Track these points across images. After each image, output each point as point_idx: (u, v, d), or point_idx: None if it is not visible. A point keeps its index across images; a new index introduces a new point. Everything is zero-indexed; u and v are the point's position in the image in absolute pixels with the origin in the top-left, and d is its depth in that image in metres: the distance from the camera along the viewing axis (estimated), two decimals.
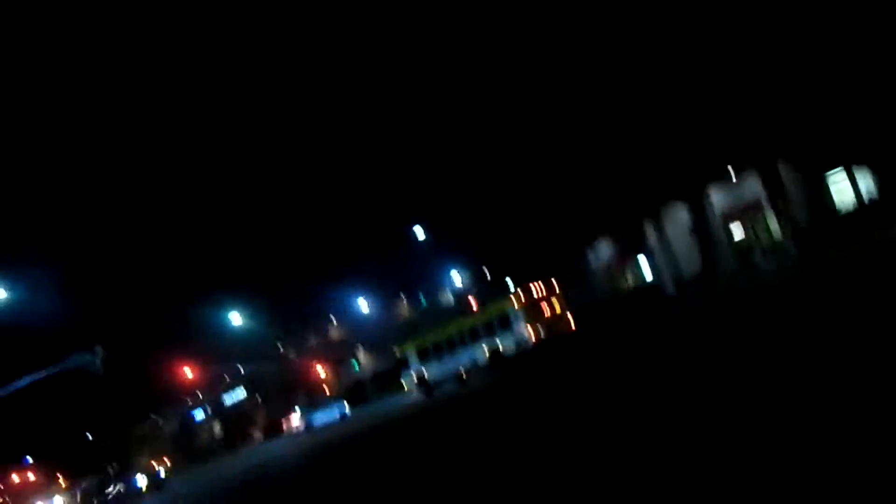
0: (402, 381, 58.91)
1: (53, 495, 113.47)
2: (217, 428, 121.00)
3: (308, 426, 74.22)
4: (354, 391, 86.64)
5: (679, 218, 58.93)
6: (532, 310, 51.18)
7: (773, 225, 54.49)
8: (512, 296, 53.23)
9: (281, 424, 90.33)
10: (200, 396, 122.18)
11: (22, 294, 51.88)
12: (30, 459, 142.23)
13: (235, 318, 70.75)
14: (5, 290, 49.28)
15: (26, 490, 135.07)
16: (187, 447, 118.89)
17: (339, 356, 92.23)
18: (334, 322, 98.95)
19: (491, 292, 69.81)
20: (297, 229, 68.10)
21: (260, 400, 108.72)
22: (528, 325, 50.46)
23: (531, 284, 53.07)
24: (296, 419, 73.86)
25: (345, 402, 74.43)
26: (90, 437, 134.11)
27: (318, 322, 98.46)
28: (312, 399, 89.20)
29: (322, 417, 73.05)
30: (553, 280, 54.12)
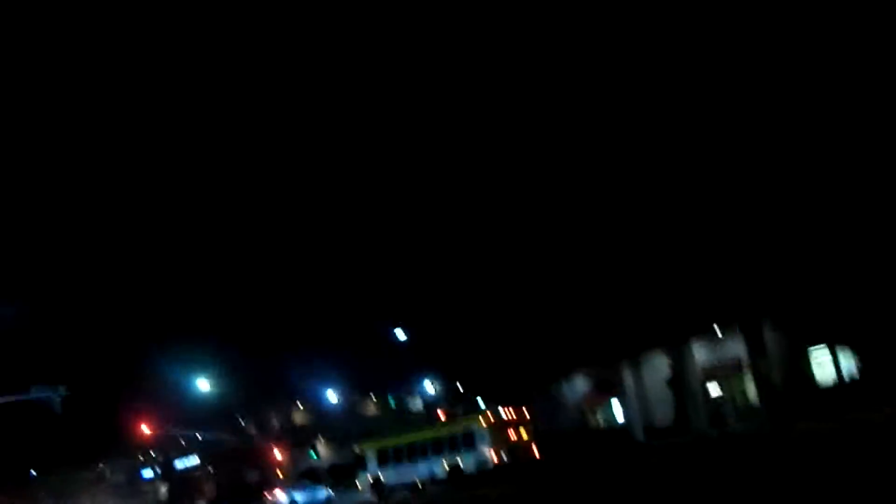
0: (357, 479, 58.40)
1: None
2: (163, 490, 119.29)
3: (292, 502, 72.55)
4: (308, 479, 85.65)
5: (658, 366, 59.13)
6: (498, 432, 50.98)
7: (751, 387, 54.69)
8: (480, 415, 53.14)
9: (226, 497, 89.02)
10: (153, 455, 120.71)
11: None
12: None
13: (202, 384, 70.30)
14: None
15: None
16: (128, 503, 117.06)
17: (298, 441, 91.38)
18: (299, 406, 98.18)
19: (460, 407, 69.74)
20: (280, 307, 67.99)
21: (212, 470, 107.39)
22: (492, 447, 50.23)
23: (501, 407, 53.01)
24: (280, 494, 72.07)
25: (326, 487, 72.88)
26: (33, 473, 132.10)
27: (284, 403, 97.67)
28: (267, 478, 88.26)
29: (305, 497, 71.11)
30: (523, 406, 54.04)
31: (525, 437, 52.80)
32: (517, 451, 51.10)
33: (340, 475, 74.33)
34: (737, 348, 54.53)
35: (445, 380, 79.48)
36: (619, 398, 63.09)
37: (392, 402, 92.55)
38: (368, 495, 56.30)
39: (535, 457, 52.10)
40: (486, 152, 52.16)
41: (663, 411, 58.38)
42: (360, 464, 58.29)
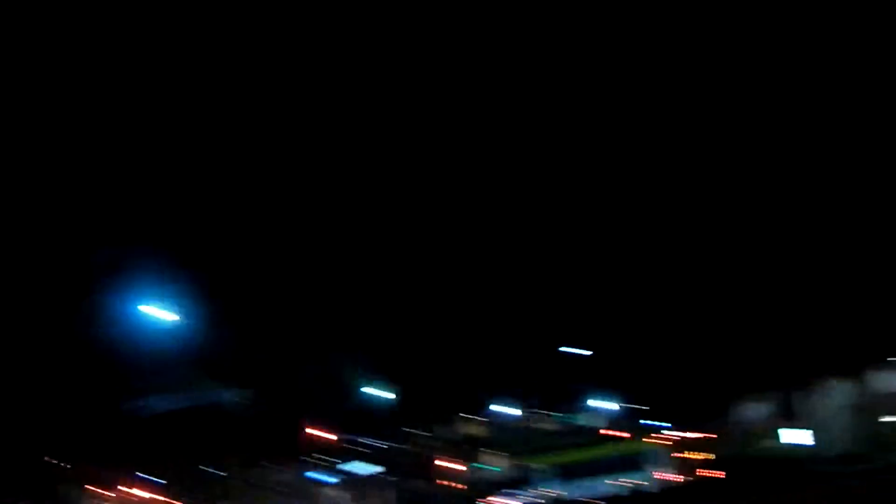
0: (524, 493, 58.60)
1: None
2: (333, 493, 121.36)
3: None
4: (478, 492, 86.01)
5: (836, 393, 57.82)
6: (677, 452, 50.65)
7: None
8: (659, 435, 52.87)
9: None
10: (328, 460, 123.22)
11: (192, 321, 53.57)
12: (147, 477, 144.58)
13: (378, 389, 71.53)
14: (177, 314, 50.78)
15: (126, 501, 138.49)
16: None
17: (471, 453, 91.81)
18: (475, 419, 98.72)
19: (639, 426, 69.20)
20: (461, 320, 68.74)
21: (383, 479, 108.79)
22: (671, 467, 49.94)
23: (680, 428, 52.65)
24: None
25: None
26: (204, 469, 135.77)
27: (458, 415, 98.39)
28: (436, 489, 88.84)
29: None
30: (703, 428, 53.52)
31: (704, 458, 52.30)
32: (696, 473, 50.67)
33: (513, 489, 74.47)
34: None
35: (624, 398, 78.90)
36: (800, 424, 61.78)
37: (567, 418, 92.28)
38: None
39: (714, 478, 51.55)
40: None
41: (845, 438, 56.98)
42: (531, 479, 58.52)
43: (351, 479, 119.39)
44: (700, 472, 52.59)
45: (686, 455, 52.51)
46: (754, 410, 65.91)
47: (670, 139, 46.87)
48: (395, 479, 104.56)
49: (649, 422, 70.38)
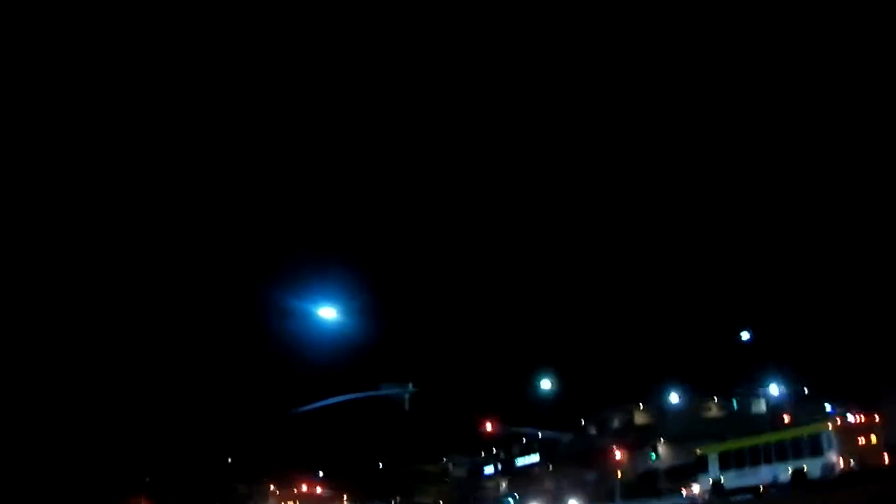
0: (698, 483, 57.59)
1: None
2: (503, 486, 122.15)
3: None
4: (645, 481, 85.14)
5: None
6: (846, 437, 48.81)
7: None
8: (828, 419, 51.23)
9: None
10: (494, 451, 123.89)
11: (351, 318, 54.49)
12: (321, 474, 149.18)
13: (546, 383, 71.48)
14: (337, 311, 51.63)
15: (310, 500, 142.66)
16: (470, 497, 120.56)
17: (638, 442, 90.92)
18: (640, 407, 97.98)
19: (807, 411, 67.23)
20: (624, 309, 68.58)
21: (550, 467, 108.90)
22: (840, 453, 48.19)
23: (850, 412, 50.83)
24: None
25: None
26: (381, 465, 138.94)
27: (625, 403, 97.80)
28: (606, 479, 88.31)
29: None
30: (873, 411, 51.44)
31: (875, 443, 50.32)
32: (866, 459, 48.78)
33: (679, 477, 73.25)
34: None
35: (791, 382, 77.16)
36: None
37: (735, 405, 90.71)
38: (708, 499, 55.52)
39: (884, 465, 49.58)
40: None
41: None
42: (700, 466, 57.54)
43: (514, 470, 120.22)
44: (871, 457, 50.59)
45: (855, 439, 50.50)
46: None
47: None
48: (558, 468, 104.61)
49: (819, 404, 68.52)
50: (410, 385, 55.01)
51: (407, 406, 54.86)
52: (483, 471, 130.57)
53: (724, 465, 55.48)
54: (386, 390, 55.41)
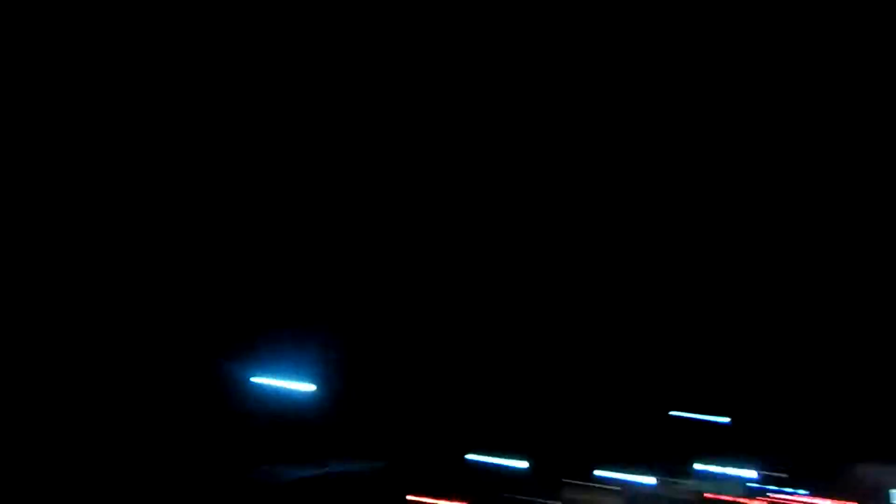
0: None
1: None
2: None
3: None
4: None
5: None
6: None
7: None
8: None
9: None
10: None
11: (329, 389, 54.35)
12: None
13: (508, 461, 70.70)
14: (313, 384, 51.48)
15: None
16: None
17: None
18: (603, 487, 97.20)
19: (780, 493, 66.96)
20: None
21: None
22: None
23: (815, 494, 50.92)
24: None
25: None
26: None
27: (582, 484, 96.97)
28: None
29: None
30: (838, 494, 51.53)
31: None
32: None
33: None
34: None
35: (767, 465, 76.93)
36: None
37: (703, 487, 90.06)
38: None
39: None
40: None
41: None
42: None
43: None
44: None
45: None
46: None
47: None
48: None
49: (784, 489, 68.29)
50: (377, 463, 54.08)
51: (373, 483, 53.99)
52: None
53: None
54: (346, 466, 54.48)
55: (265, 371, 50.03)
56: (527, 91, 42.55)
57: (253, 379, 51.06)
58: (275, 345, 49.25)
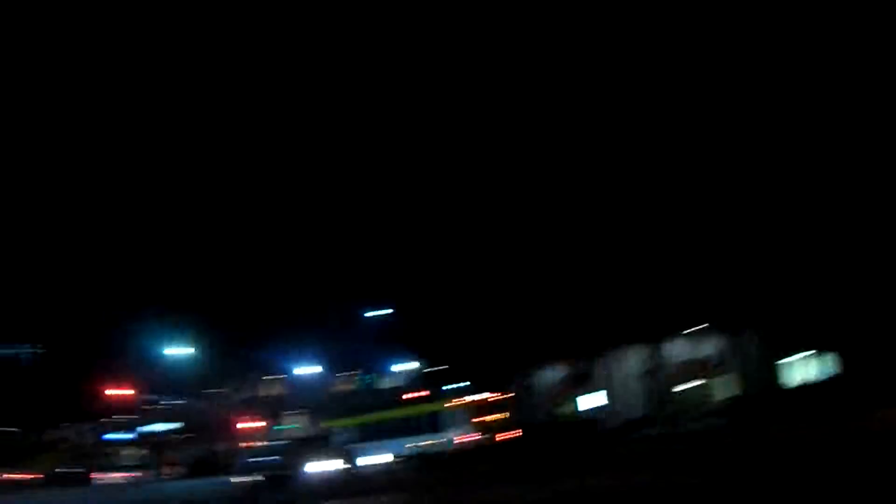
0: (324, 454, 58.24)
1: None
2: (130, 453, 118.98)
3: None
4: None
5: (632, 359, 59.43)
6: (471, 415, 51.12)
7: (722, 388, 54.95)
8: (454, 397, 53.31)
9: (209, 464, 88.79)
10: (122, 419, 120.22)
11: None
12: None
13: (177, 350, 70.08)
14: None
15: None
16: (92, 464, 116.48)
17: (269, 413, 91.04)
18: (273, 378, 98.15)
19: (434, 389, 69.66)
20: (261, 278, 68.06)
21: (181, 437, 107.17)
22: (465, 429, 50.40)
23: (476, 392, 53.18)
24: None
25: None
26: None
27: (257, 375, 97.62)
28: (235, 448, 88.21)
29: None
30: (498, 392, 54.12)
31: (498, 422, 52.96)
32: (489, 435, 51.28)
33: (307, 449, 73.88)
34: (712, 347, 54.79)
35: (421, 360, 79.44)
36: (591, 390, 63.25)
37: (366, 380, 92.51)
38: (334, 471, 56.27)
39: (506, 440, 52.26)
40: (484, 148, 52.54)
41: (634, 405, 58.68)
42: (328, 439, 58.35)
43: (147, 438, 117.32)
44: (499, 434, 53.31)
45: (484, 418, 53.09)
46: (551, 375, 67.20)
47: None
48: (191, 436, 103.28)
49: (449, 384, 71.08)
50: (34, 346, 52.46)
51: (36, 369, 52.41)
52: (110, 438, 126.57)
53: (354, 439, 56.61)
54: (7, 349, 52.64)
55: None
56: None
57: None
58: None
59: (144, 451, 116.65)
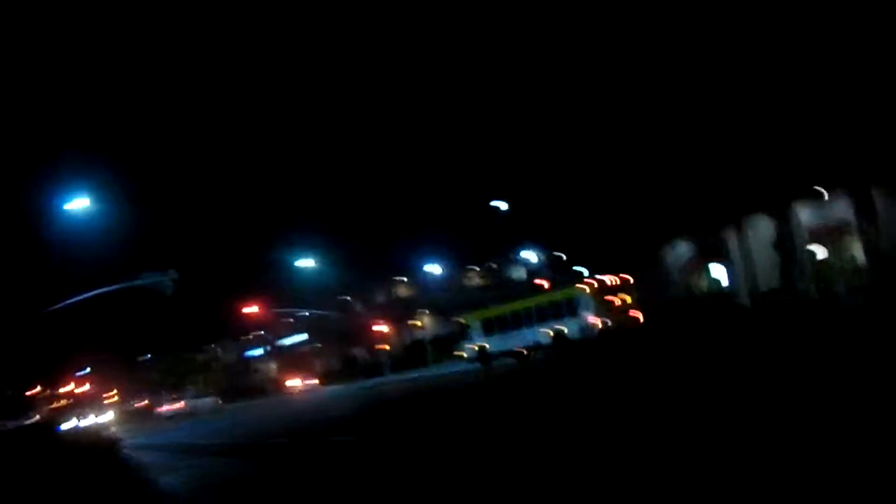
0: (462, 350, 58.87)
1: (106, 408, 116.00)
2: (273, 366, 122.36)
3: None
4: (413, 352, 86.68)
5: (762, 229, 58.24)
6: (601, 299, 50.79)
7: (858, 250, 53.60)
8: (584, 282, 53.00)
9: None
10: (262, 334, 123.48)
11: (107, 205, 52.31)
12: (88, 371, 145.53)
13: (306, 263, 71.31)
14: (90, 199, 49.42)
15: (83, 399, 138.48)
16: (240, 382, 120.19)
17: (403, 315, 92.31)
18: (404, 280, 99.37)
19: (563, 276, 69.43)
20: (382, 185, 68.55)
21: (319, 347, 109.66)
22: (596, 314, 50.18)
23: (604, 274, 52.75)
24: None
25: None
26: (149, 356, 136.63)
27: (387, 279, 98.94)
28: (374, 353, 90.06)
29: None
30: (626, 273, 53.55)
31: (629, 303, 52.54)
32: (621, 318, 50.94)
33: (445, 347, 74.79)
34: (844, 210, 53.30)
35: (547, 248, 79.48)
36: (723, 262, 62.30)
37: (495, 272, 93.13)
38: (474, 365, 56.84)
39: (639, 322, 51.91)
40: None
41: (768, 275, 57.69)
42: (464, 335, 58.89)
43: (279, 350, 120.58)
44: (630, 312, 52.90)
45: (611, 298, 52.67)
46: (679, 250, 66.32)
47: None
48: (328, 348, 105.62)
49: (574, 268, 70.86)
50: (173, 272, 53.81)
51: (170, 293, 53.75)
52: (251, 354, 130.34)
53: (488, 331, 57.04)
54: (146, 279, 54.02)
55: None
56: None
57: None
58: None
59: (277, 364, 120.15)
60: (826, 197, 54.48)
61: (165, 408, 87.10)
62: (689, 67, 50.71)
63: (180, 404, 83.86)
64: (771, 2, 46.38)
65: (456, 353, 60.31)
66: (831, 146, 46.81)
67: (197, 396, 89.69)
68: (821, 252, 56.42)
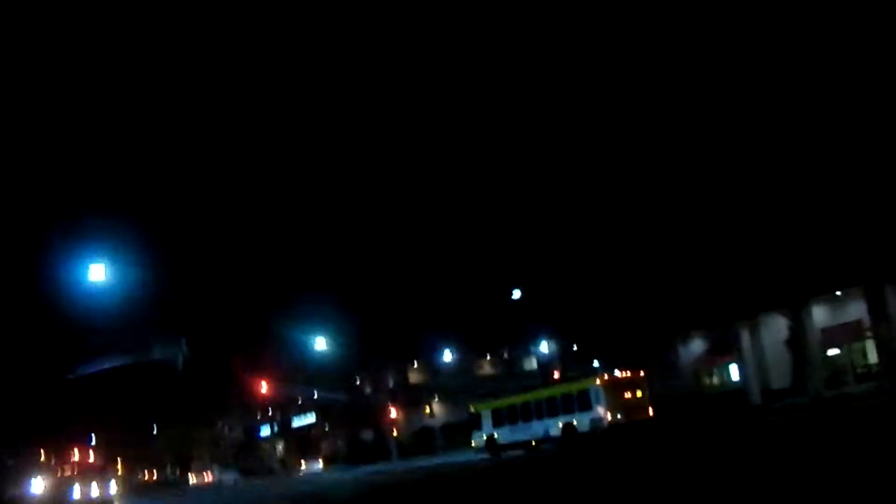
0: (472, 439, 58.70)
1: (110, 479, 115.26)
2: (280, 447, 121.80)
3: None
4: (422, 439, 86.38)
5: (776, 327, 58.35)
6: (613, 392, 50.70)
7: (871, 351, 53.58)
8: (595, 375, 52.97)
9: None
10: (269, 412, 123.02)
11: (120, 278, 52.24)
12: (93, 441, 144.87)
13: (320, 343, 71.26)
14: (106, 273, 49.45)
15: (86, 470, 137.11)
16: (247, 459, 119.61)
17: (413, 400, 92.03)
18: (415, 365, 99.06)
19: (575, 367, 69.43)
20: (398, 268, 68.79)
21: (327, 428, 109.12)
22: (607, 408, 50.06)
23: (616, 368, 52.78)
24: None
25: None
26: (155, 430, 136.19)
27: (399, 362, 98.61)
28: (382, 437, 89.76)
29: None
30: (638, 366, 53.57)
31: (640, 397, 52.43)
32: (632, 412, 50.81)
33: (454, 434, 74.54)
34: (858, 311, 53.39)
35: (561, 340, 79.50)
36: (735, 360, 62.32)
37: (507, 362, 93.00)
38: (483, 455, 56.64)
39: (649, 417, 51.78)
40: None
41: (780, 373, 57.67)
42: (474, 424, 58.72)
43: (291, 431, 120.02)
44: (641, 407, 52.83)
45: (623, 393, 52.65)
46: (691, 346, 66.48)
47: None
48: (336, 430, 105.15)
49: (587, 362, 70.94)
50: (184, 344, 53.86)
51: (181, 368, 53.78)
52: (259, 432, 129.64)
53: (498, 422, 56.85)
54: (158, 353, 54.13)
55: None
56: None
57: None
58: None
59: (286, 445, 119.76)
60: (840, 297, 54.63)
61: (194, 480, 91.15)
62: (709, 161, 51.16)
63: (210, 477, 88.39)
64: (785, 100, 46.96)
65: (470, 440, 60.14)
66: (845, 245, 47.04)
67: (222, 471, 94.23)
68: (833, 351, 56.45)
